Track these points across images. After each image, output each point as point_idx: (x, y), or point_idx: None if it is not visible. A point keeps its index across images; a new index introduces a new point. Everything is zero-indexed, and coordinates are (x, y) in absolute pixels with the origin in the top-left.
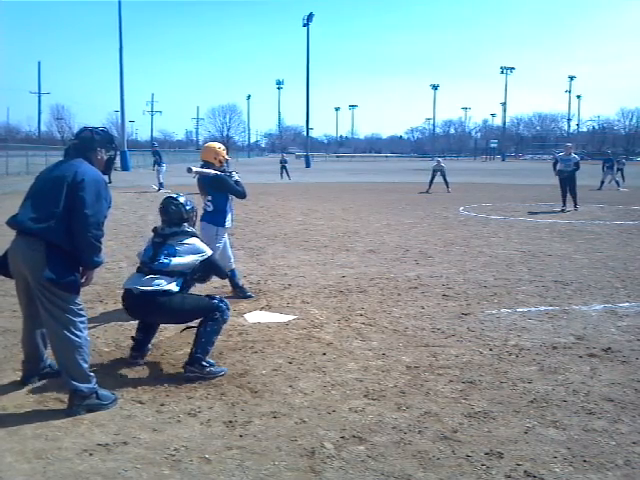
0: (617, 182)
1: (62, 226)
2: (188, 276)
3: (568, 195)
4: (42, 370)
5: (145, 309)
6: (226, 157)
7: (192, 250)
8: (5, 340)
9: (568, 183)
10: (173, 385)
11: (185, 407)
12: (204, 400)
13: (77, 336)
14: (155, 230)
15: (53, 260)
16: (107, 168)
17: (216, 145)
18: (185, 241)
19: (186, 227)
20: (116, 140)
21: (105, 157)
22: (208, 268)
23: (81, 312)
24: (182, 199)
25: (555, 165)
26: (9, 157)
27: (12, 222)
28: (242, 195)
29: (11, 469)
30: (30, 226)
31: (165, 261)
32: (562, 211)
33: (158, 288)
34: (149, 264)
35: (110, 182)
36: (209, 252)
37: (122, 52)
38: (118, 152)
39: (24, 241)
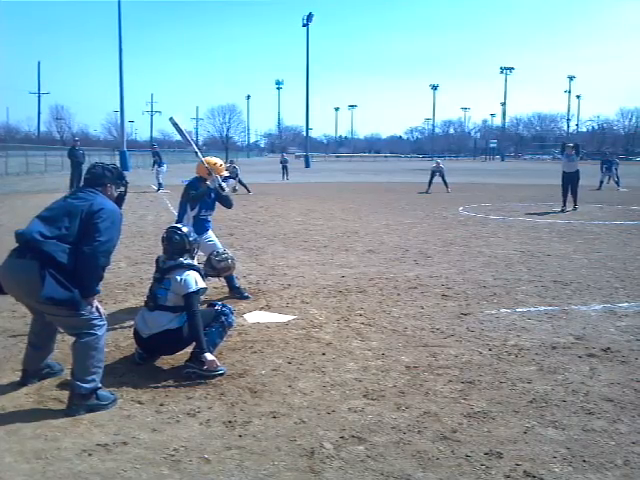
0: (617, 182)
1: (67, 248)
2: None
3: (569, 196)
4: (42, 371)
5: (155, 348)
6: (224, 174)
7: (181, 285)
8: (5, 340)
9: (570, 182)
10: (172, 385)
11: (184, 407)
12: (203, 400)
13: (89, 338)
14: (157, 261)
15: (48, 279)
16: (117, 204)
17: (212, 160)
18: (178, 276)
19: (184, 260)
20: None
21: (115, 193)
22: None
23: (91, 317)
24: (185, 229)
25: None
26: (8, 157)
27: (19, 233)
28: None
29: (10, 469)
30: (36, 238)
31: (162, 297)
32: (562, 211)
33: (160, 330)
34: (152, 299)
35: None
36: (202, 285)
37: (122, 53)
38: (127, 189)
39: (18, 263)
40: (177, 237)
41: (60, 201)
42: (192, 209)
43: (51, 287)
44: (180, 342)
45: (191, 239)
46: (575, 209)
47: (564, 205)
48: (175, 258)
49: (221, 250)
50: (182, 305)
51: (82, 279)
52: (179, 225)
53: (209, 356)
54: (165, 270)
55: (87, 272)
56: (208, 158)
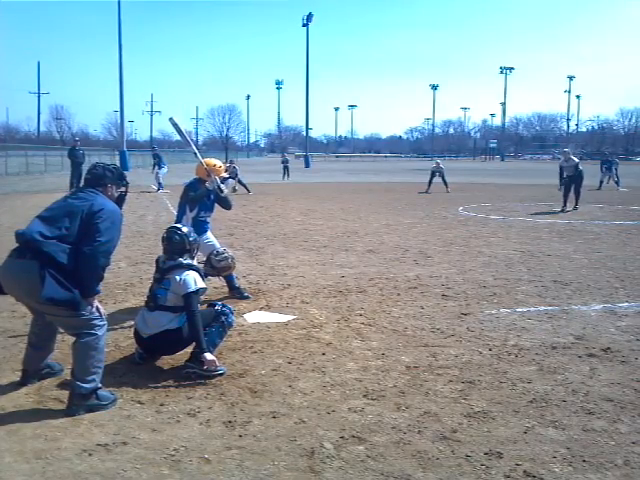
0: (616, 182)
1: (67, 248)
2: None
3: (570, 196)
4: (42, 371)
5: (156, 348)
6: (223, 176)
7: (180, 285)
8: (5, 340)
9: (573, 183)
10: (172, 385)
11: (184, 407)
12: (203, 400)
13: (90, 338)
14: (157, 261)
15: (48, 280)
16: (118, 204)
17: (212, 162)
18: (178, 276)
19: (184, 260)
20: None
21: (115, 194)
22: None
23: (91, 317)
24: (185, 229)
25: (562, 173)
26: (8, 157)
27: (19, 233)
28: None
29: (10, 469)
30: (36, 238)
31: (162, 297)
32: (562, 211)
33: (160, 330)
34: (152, 300)
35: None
36: (201, 285)
37: (122, 52)
38: (128, 189)
39: (18, 263)
40: (177, 237)
41: (60, 201)
42: (191, 210)
43: (51, 287)
44: (180, 342)
45: (191, 239)
46: (576, 209)
47: (564, 205)
48: (175, 258)
49: (221, 249)
50: (182, 305)
51: (82, 279)
52: (179, 225)
53: (209, 356)
54: (165, 270)
55: (87, 272)
56: (207, 159)
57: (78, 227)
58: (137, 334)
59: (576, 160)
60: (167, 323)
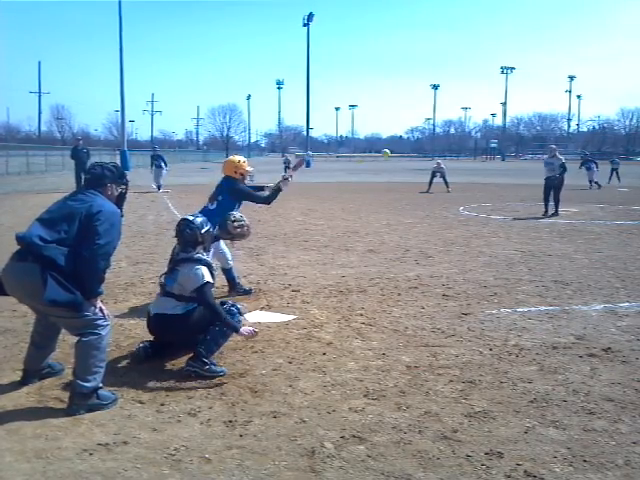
0: (596, 182)
1: (67, 251)
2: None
3: (551, 201)
4: (42, 370)
5: (160, 330)
6: (247, 170)
7: (190, 279)
8: (5, 340)
9: (552, 187)
10: (173, 385)
11: (185, 407)
12: (204, 400)
13: (92, 337)
14: (173, 250)
15: (50, 282)
16: (118, 203)
17: (236, 159)
18: (187, 270)
19: (195, 253)
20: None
21: (116, 193)
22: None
23: (94, 317)
24: (199, 220)
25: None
26: (9, 157)
27: (20, 237)
28: (266, 201)
29: (11, 469)
30: (36, 242)
31: (170, 285)
32: (544, 216)
33: (163, 312)
34: (164, 286)
35: (122, 215)
36: (209, 280)
37: (122, 52)
38: (129, 187)
39: (19, 266)
40: (189, 230)
41: (60, 203)
42: (238, 207)
43: (53, 290)
44: (183, 329)
45: (203, 231)
46: (556, 214)
47: (546, 211)
48: (188, 250)
49: (238, 216)
50: (186, 295)
51: (83, 282)
52: (191, 217)
53: (244, 330)
54: (177, 261)
55: (88, 275)
56: (231, 157)
57: (77, 229)
58: (148, 316)
59: (562, 159)
60: (171, 308)
